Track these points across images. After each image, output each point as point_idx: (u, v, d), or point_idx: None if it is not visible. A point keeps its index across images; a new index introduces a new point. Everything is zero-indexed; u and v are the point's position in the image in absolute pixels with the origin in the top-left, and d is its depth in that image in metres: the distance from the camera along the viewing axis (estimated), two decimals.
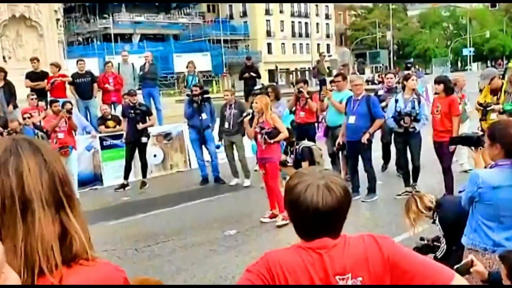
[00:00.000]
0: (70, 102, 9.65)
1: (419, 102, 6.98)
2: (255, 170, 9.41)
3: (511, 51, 71.08)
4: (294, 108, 8.83)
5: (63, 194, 1.06)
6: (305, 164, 6.81)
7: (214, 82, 43.18)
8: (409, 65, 23.34)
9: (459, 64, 74.21)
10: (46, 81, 10.63)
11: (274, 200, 6.59)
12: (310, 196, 1.54)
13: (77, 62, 11.44)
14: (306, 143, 7.27)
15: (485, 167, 2.99)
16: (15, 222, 0.98)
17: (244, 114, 7.15)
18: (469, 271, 2.50)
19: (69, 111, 8.41)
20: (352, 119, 7.08)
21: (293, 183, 1.61)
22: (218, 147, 9.16)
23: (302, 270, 1.54)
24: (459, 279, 1.59)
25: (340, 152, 7.81)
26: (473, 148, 3.22)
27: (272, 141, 6.43)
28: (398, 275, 1.56)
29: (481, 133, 3.13)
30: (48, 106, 9.23)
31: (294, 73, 59.15)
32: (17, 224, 0.98)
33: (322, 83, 15.97)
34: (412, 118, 6.90)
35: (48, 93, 10.64)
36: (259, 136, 6.51)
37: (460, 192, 3.32)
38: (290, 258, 1.57)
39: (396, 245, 1.63)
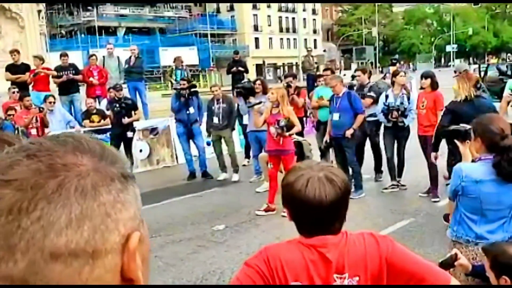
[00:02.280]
0: (53, 96, 9.53)
1: (408, 98, 7.06)
2: (244, 165, 9.41)
3: (493, 47, 72.05)
4: None
5: None
6: (294, 158, 6.83)
7: (201, 76, 42.94)
8: (394, 61, 23.53)
9: (442, 60, 75.00)
10: (27, 74, 10.44)
11: (274, 194, 6.58)
12: (313, 190, 1.52)
13: (60, 56, 11.24)
14: (296, 137, 7.28)
15: (472, 161, 3.04)
16: None
17: (256, 101, 7.11)
18: (453, 264, 2.54)
19: (40, 108, 8.25)
20: (336, 116, 7.15)
21: (292, 177, 1.58)
22: (208, 143, 9.10)
23: (302, 267, 1.54)
24: (455, 283, 1.60)
25: (331, 150, 7.81)
26: (461, 141, 3.25)
27: (287, 133, 6.44)
28: (394, 275, 1.56)
29: (468, 126, 3.16)
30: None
31: (281, 68, 59.17)
32: None
33: (310, 78, 15.99)
34: (400, 112, 6.98)
35: (31, 87, 10.46)
36: (272, 128, 6.49)
37: (447, 185, 3.36)
38: (291, 254, 1.56)
39: (396, 246, 1.62)
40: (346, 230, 1.63)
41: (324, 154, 8.18)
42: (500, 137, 2.76)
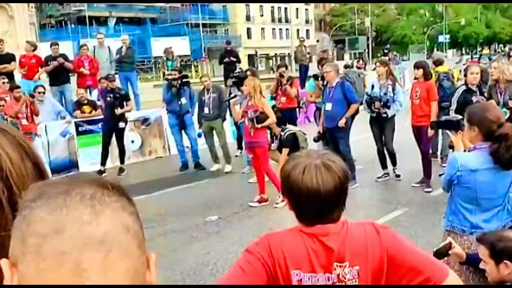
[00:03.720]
0: (43, 86, 9.41)
1: (393, 88, 7.03)
2: (236, 156, 9.38)
3: (485, 38, 72.28)
4: (274, 94, 8.80)
5: None
6: (285, 150, 6.80)
7: (193, 67, 42.71)
8: (385, 51, 23.68)
9: (435, 51, 75.03)
10: (13, 63, 10.31)
11: (263, 184, 6.58)
12: (310, 178, 1.51)
13: (51, 45, 11.10)
14: (291, 128, 7.24)
15: (465, 151, 3.03)
16: (7, 231, 0.77)
17: (231, 96, 7.07)
18: (448, 253, 2.54)
19: (31, 95, 8.13)
20: (329, 106, 7.11)
21: (289, 167, 1.57)
22: (200, 135, 9.06)
23: (303, 256, 1.53)
24: (453, 276, 1.59)
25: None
26: (453, 131, 3.24)
27: (259, 125, 6.39)
28: (394, 267, 1.55)
29: (460, 117, 3.16)
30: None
31: (274, 58, 58.97)
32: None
33: (302, 68, 15.94)
34: (382, 103, 6.96)
35: (20, 75, 10.34)
36: (246, 120, 6.45)
37: (440, 175, 3.36)
38: (292, 242, 1.55)
39: (397, 237, 1.62)
40: (345, 219, 1.61)
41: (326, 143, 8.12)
42: (497, 125, 2.75)
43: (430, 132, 6.72)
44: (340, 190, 1.53)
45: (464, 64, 7.32)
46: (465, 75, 6.48)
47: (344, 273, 1.53)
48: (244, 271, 1.51)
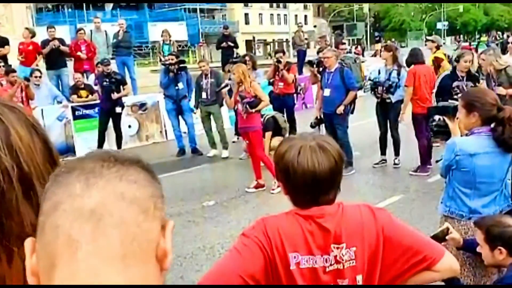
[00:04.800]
0: (39, 71, 9.33)
1: (398, 73, 6.99)
2: (233, 142, 9.36)
3: (483, 25, 71.96)
4: (272, 79, 8.76)
5: (57, 162, 0.88)
6: (268, 134, 7.00)
7: (190, 52, 42.42)
8: (376, 38, 23.76)
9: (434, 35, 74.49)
10: (7, 47, 10.22)
11: (259, 170, 6.58)
12: (305, 159, 1.49)
13: (47, 28, 10.99)
14: (269, 113, 7.44)
15: (461, 136, 3.02)
16: (18, 208, 0.76)
17: (222, 85, 7.05)
18: (445, 238, 2.54)
19: (26, 79, 8.06)
20: (327, 92, 7.08)
21: (284, 149, 1.55)
22: (192, 110, 9.00)
23: (300, 238, 1.52)
24: (449, 256, 1.60)
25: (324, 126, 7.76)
26: (450, 117, 3.23)
27: (253, 110, 6.37)
28: (390, 247, 1.55)
29: (456, 103, 3.14)
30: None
31: (271, 44, 58.60)
32: (21, 210, 0.76)
33: (300, 54, 15.86)
34: (385, 88, 6.93)
35: (18, 63, 10.27)
36: (239, 105, 6.43)
37: (437, 161, 3.36)
38: (289, 225, 1.54)
39: (392, 218, 1.62)
40: (341, 201, 1.61)
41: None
42: (497, 109, 2.73)
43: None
44: (335, 171, 1.52)
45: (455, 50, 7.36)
46: (457, 61, 6.41)
47: (342, 254, 1.52)
48: (241, 255, 1.50)
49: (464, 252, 2.75)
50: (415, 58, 7.05)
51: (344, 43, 11.81)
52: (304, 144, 1.52)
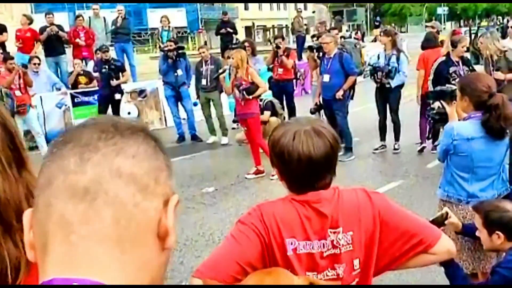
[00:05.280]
0: (37, 57, 9.29)
1: (397, 58, 6.94)
2: (233, 128, 9.34)
3: (483, 10, 71.36)
4: (271, 65, 8.71)
5: (22, 150, 0.91)
6: (267, 112, 7.09)
7: (189, 38, 42.12)
8: (376, 23, 23.58)
9: (434, 21, 74.00)
10: (5, 34, 10.15)
11: (258, 156, 6.57)
12: (300, 143, 1.48)
13: (45, 15, 10.91)
14: (268, 98, 7.48)
15: (459, 120, 3.01)
16: None
17: (220, 71, 7.01)
18: (444, 223, 2.54)
19: (24, 66, 8.02)
20: (326, 78, 7.04)
21: (279, 133, 1.53)
22: (195, 104, 9.00)
23: (297, 224, 1.51)
24: (446, 239, 1.59)
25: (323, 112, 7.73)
26: (447, 101, 3.21)
27: (250, 96, 6.34)
28: (387, 231, 1.55)
29: (454, 87, 3.13)
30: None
31: (271, 30, 58.18)
32: None
33: (299, 39, 15.75)
34: (384, 73, 6.89)
35: (16, 49, 10.21)
36: (236, 92, 6.40)
37: (435, 146, 3.35)
38: (285, 210, 1.53)
39: (388, 201, 1.62)
40: (337, 185, 1.60)
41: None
42: (488, 95, 2.72)
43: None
44: (331, 155, 1.51)
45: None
46: (454, 46, 6.34)
47: (338, 238, 1.52)
48: (238, 242, 1.50)
49: (463, 236, 2.76)
50: (427, 42, 7.20)
51: (336, 28, 11.68)
52: (299, 129, 1.50)
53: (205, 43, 23.96)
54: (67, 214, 0.56)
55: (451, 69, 6.16)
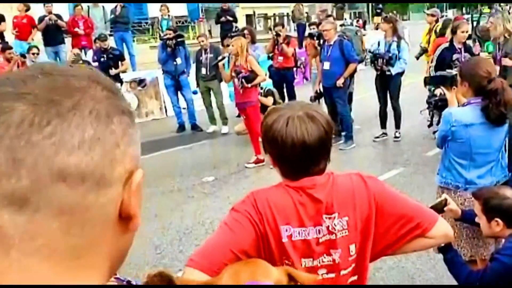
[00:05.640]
0: (36, 47, 9.25)
1: (398, 45, 6.88)
2: (237, 116, 9.30)
3: None
4: (271, 53, 8.65)
5: None
6: (270, 98, 7.05)
7: (190, 28, 41.89)
8: (378, 10, 23.35)
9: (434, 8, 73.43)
10: (3, 23, 10.11)
11: (258, 145, 6.55)
12: (294, 129, 1.45)
13: (43, 4, 10.85)
14: (267, 86, 7.51)
15: (459, 106, 2.98)
16: None
17: (219, 58, 6.96)
18: (443, 210, 2.53)
19: (23, 55, 7.98)
20: (326, 65, 6.98)
21: (272, 119, 1.50)
22: (195, 92, 8.95)
23: (291, 210, 1.49)
24: (442, 223, 1.57)
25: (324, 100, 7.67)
26: (447, 87, 3.18)
27: (249, 85, 6.29)
28: (383, 215, 1.53)
29: (454, 72, 3.09)
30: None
31: (272, 18, 57.82)
32: None
33: (300, 27, 15.63)
34: (385, 60, 6.83)
35: (13, 36, 10.16)
36: (235, 80, 6.35)
37: (434, 133, 3.32)
38: (279, 197, 1.51)
39: (384, 185, 1.60)
40: (331, 171, 1.57)
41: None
42: (488, 80, 2.68)
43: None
44: (325, 140, 1.48)
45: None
46: (454, 33, 6.26)
47: (334, 224, 1.50)
48: (232, 230, 1.47)
49: (461, 223, 2.74)
50: (444, 29, 7.21)
51: (331, 15, 11.57)
52: (292, 114, 1.47)
53: (209, 32, 23.80)
54: (5, 226, 0.47)
55: (454, 57, 6.08)
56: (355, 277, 1.56)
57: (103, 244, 0.53)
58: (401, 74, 6.99)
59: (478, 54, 6.48)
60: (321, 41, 7.25)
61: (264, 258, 1.47)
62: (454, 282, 2.55)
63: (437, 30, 7.69)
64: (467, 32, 6.29)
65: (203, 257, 1.44)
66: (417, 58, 7.74)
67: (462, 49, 6.21)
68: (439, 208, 2.50)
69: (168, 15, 11.83)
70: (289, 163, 1.51)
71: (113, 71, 8.53)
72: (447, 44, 6.29)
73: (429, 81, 3.52)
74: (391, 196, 1.57)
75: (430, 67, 6.57)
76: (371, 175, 1.63)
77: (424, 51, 7.70)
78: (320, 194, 1.49)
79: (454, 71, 3.08)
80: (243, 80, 6.24)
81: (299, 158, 1.48)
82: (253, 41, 8.38)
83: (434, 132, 3.16)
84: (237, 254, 1.43)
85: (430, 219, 1.55)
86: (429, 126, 6.96)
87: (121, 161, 0.52)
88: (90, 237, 0.51)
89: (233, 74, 6.36)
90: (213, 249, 1.46)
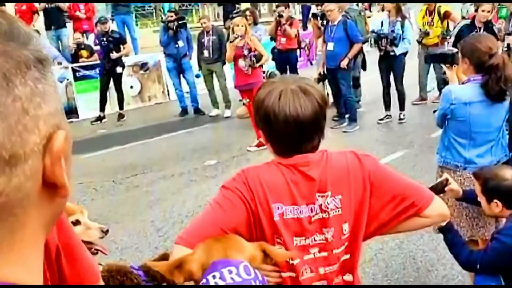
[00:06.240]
0: (37, 31, 9.19)
1: (402, 25, 6.76)
2: (240, 100, 9.23)
3: None
4: (274, 35, 8.54)
5: None
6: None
7: (194, 11, 41.57)
8: None
9: None
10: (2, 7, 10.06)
11: None
12: (287, 104, 1.39)
13: None
14: (270, 69, 7.39)
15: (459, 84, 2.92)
16: None
17: (234, 36, 6.78)
18: (444, 190, 2.49)
19: None
20: (330, 46, 6.89)
21: (263, 94, 1.44)
22: (198, 76, 8.89)
23: (284, 188, 1.45)
24: (438, 201, 1.53)
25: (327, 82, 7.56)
26: (447, 65, 3.11)
27: (257, 64, 6.24)
28: (377, 194, 1.49)
29: (455, 50, 3.02)
30: None
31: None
32: None
33: (305, 9, 15.43)
34: (389, 41, 6.72)
35: None
36: (243, 61, 6.25)
37: (434, 112, 3.27)
38: (271, 175, 1.46)
39: (379, 164, 1.56)
40: (325, 149, 1.53)
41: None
42: (488, 56, 2.61)
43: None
44: (319, 115, 1.43)
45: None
46: (476, 10, 6.21)
47: (327, 203, 1.46)
48: (222, 208, 1.44)
49: (461, 203, 2.70)
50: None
51: None
52: (285, 88, 1.42)
53: (217, 15, 23.50)
54: None
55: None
56: (347, 256, 1.53)
57: (27, 225, 0.46)
58: (404, 54, 6.89)
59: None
60: (325, 21, 7.14)
61: (255, 236, 1.44)
62: (456, 263, 2.52)
63: (440, 11, 7.52)
64: (488, 11, 6.15)
65: (191, 235, 1.41)
66: (419, 42, 7.55)
67: (482, 28, 6.09)
68: (440, 188, 2.47)
69: None
70: (281, 139, 1.47)
71: (114, 55, 8.46)
72: (468, 21, 6.20)
73: (430, 59, 3.44)
74: (386, 174, 1.52)
75: (448, 43, 6.48)
76: (366, 153, 1.59)
77: (426, 34, 7.46)
78: (314, 172, 1.45)
79: (454, 49, 3.00)
80: (254, 59, 6.17)
81: (292, 135, 1.43)
82: (255, 22, 8.27)
83: (434, 111, 3.09)
84: (227, 232, 1.39)
85: (425, 198, 1.51)
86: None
87: (34, 129, 0.43)
88: (9, 225, 0.44)
89: (245, 53, 6.24)
90: (202, 227, 1.43)
